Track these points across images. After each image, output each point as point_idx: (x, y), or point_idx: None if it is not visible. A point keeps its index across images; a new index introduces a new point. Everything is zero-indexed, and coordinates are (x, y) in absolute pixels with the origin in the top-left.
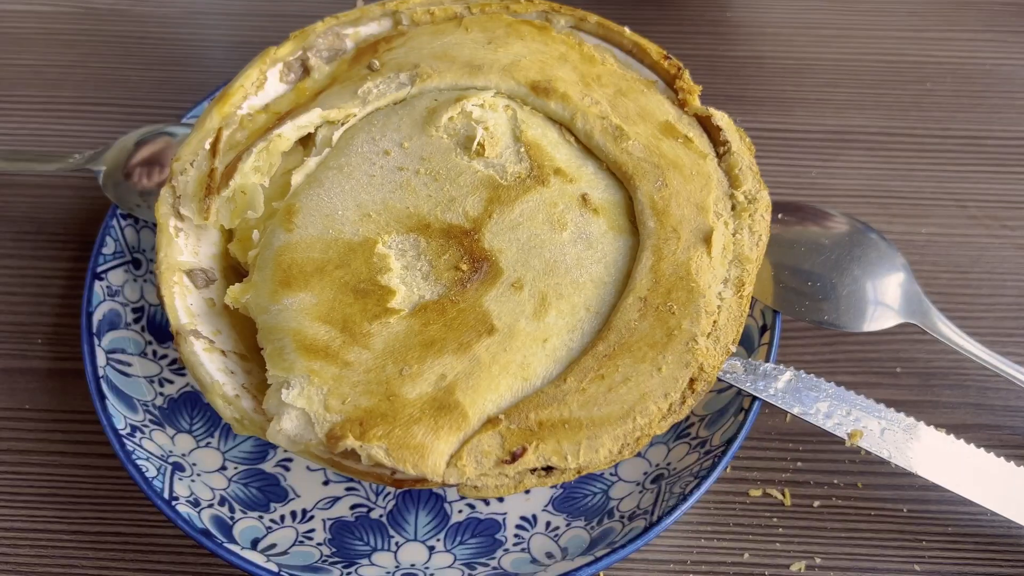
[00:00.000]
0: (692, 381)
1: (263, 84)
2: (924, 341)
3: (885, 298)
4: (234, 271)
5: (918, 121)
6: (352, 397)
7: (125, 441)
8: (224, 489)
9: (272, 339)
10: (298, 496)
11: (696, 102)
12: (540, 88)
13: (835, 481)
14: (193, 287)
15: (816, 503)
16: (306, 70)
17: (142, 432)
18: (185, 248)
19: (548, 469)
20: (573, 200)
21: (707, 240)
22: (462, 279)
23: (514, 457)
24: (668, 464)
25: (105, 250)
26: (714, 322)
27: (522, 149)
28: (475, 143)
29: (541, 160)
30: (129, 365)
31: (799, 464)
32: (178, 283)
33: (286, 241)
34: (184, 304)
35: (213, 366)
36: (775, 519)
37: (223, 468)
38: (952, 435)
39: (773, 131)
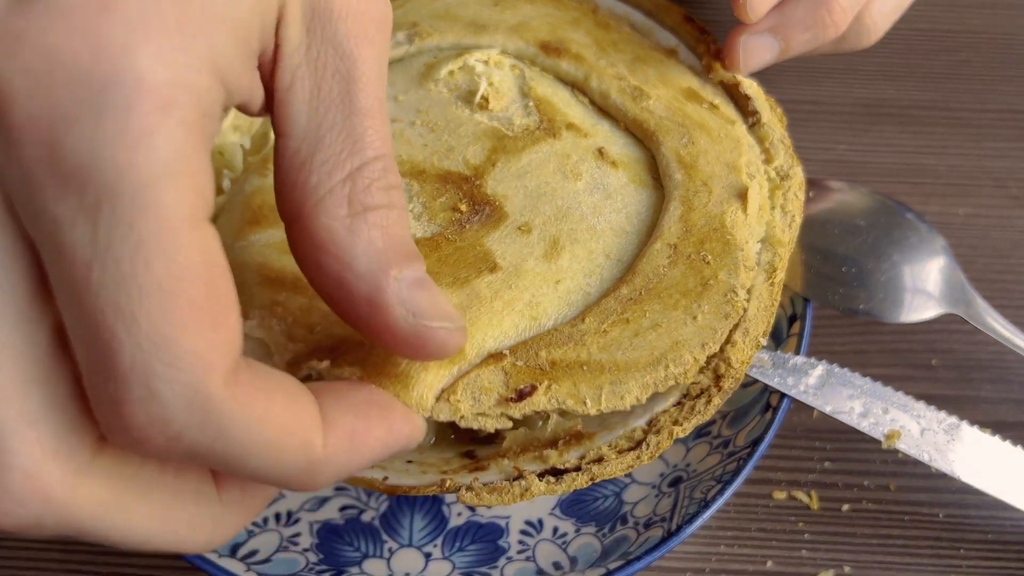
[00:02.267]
0: (719, 378)
1: None
2: (962, 331)
3: (926, 286)
4: None
5: (953, 93)
6: (323, 327)
7: None
8: None
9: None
10: (283, 496)
11: (722, 68)
12: (551, 48)
13: (865, 483)
14: None
15: (845, 507)
16: None
17: None
18: None
19: (558, 473)
20: (588, 152)
21: (742, 197)
22: (460, 220)
23: (520, 395)
24: (687, 466)
25: None
26: (743, 311)
27: (531, 104)
28: (478, 95)
29: (552, 115)
30: None
31: (827, 464)
32: None
33: (259, 185)
34: None
35: None
36: (801, 524)
37: None
38: (997, 435)
39: (798, 103)
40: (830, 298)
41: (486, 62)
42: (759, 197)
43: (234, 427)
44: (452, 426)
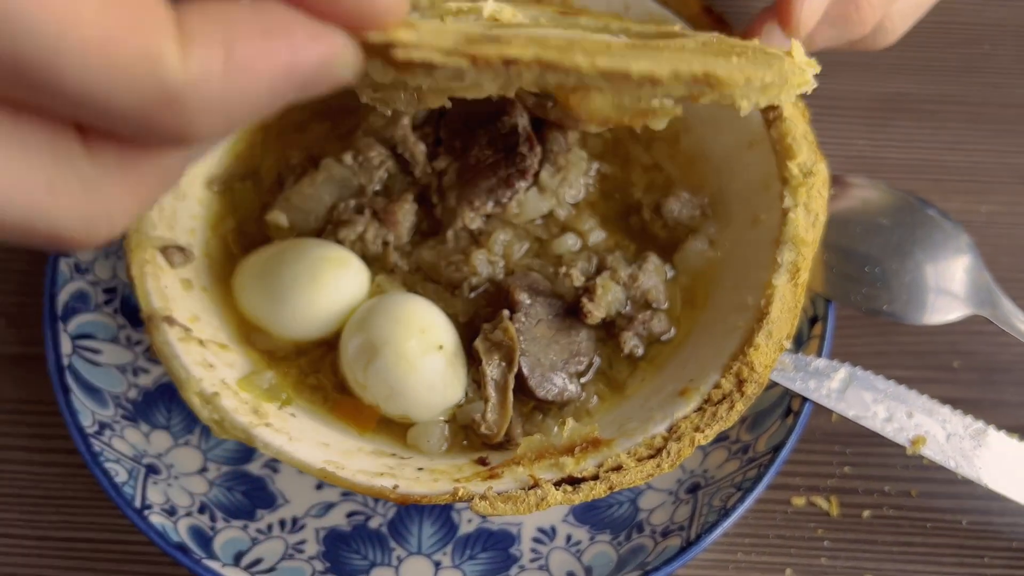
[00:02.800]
0: (741, 383)
1: None
2: (985, 333)
3: (951, 286)
4: (220, 245)
5: (973, 87)
6: None
7: (92, 441)
8: (204, 494)
9: None
10: (288, 502)
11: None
12: None
13: (886, 488)
14: (168, 266)
15: (866, 513)
16: None
17: (112, 430)
18: (159, 222)
19: (576, 482)
20: None
21: None
22: None
23: None
24: (705, 472)
25: None
26: (764, 314)
27: None
28: None
29: None
30: (99, 353)
31: (847, 469)
32: (150, 261)
33: None
34: (157, 286)
35: (189, 358)
36: (820, 531)
37: (204, 470)
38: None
39: (814, 97)
40: (852, 299)
41: None
42: None
43: (23, 16)
44: (465, 431)
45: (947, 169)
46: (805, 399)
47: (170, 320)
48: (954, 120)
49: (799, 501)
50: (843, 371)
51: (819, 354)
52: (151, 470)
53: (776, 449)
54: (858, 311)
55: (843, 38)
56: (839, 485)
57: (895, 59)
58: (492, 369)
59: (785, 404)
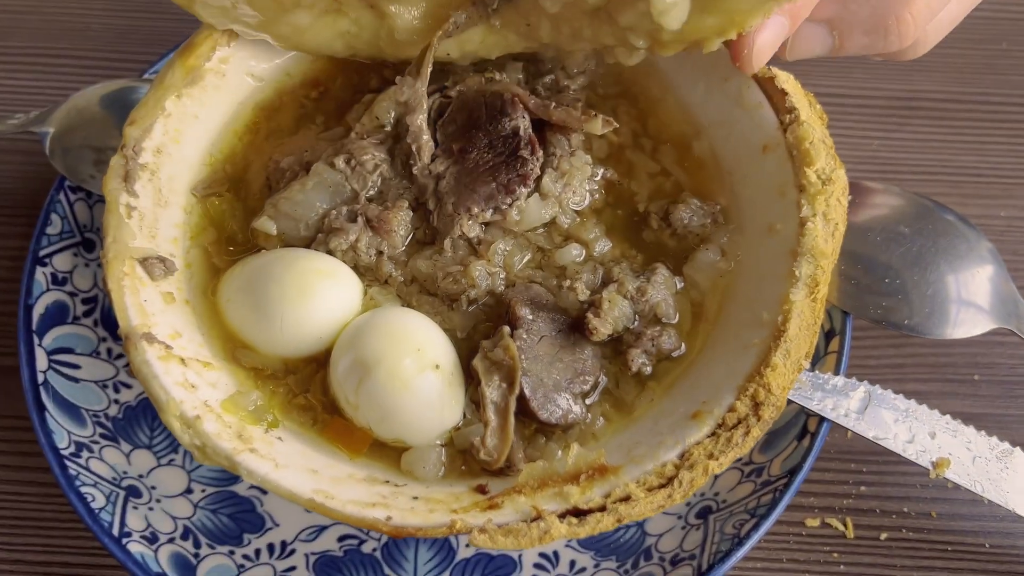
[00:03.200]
0: (757, 406)
1: (236, 32)
2: (1007, 344)
3: (975, 298)
4: (204, 255)
5: (993, 86)
6: None
7: (68, 463)
8: (189, 518)
9: None
10: (277, 525)
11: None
12: None
13: (905, 509)
14: (148, 278)
15: (883, 535)
16: None
17: (90, 451)
18: (139, 231)
19: (581, 514)
20: None
21: None
22: None
23: None
24: (716, 495)
25: (50, 230)
26: (782, 332)
27: None
28: None
29: None
30: (77, 368)
31: (863, 488)
32: (129, 274)
33: None
34: (136, 300)
35: (169, 378)
36: (836, 554)
37: (188, 491)
38: None
39: (827, 96)
40: (871, 312)
41: None
42: None
43: None
44: (463, 456)
45: (965, 172)
46: (822, 419)
47: (149, 337)
48: (973, 121)
49: (813, 522)
50: (862, 390)
51: (837, 371)
52: (131, 493)
53: (792, 473)
54: (877, 325)
55: (876, 48)
56: (855, 505)
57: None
58: (492, 391)
59: (801, 424)
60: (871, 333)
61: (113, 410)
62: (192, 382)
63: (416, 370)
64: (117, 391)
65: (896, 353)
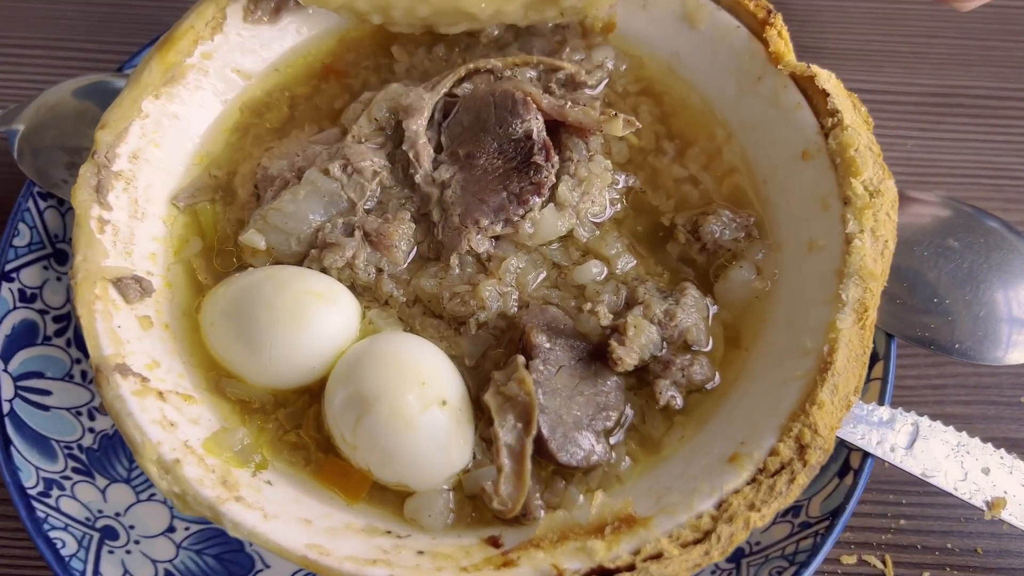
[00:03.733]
0: (803, 449)
1: (221, 25)
2: None
3: None
4: (186, 272)
5: None
6: None
7: (36, 504)
8: (171, 560)
9: None
10: (268, 567)
11: (792, 56)
12: None
13: (949, 545)
14: (122, 301)
15: (925, 574)
16: (278, 6)
17: (60, 488)
18: (113, 247)
19: (607, 574)
20: None
21: None
22: None
23: None
24: (750, 536)
25: (17, 241)
26: (829, 364)
27: None
28: None
29: None
30: (48, 394)
31: (902, 522)
32: (101, 297)
33: None
34: (109, 327)
35: (146, 416)
36: None
37: (170, 530)
38: None
39: (858, 92)
40: (917, 334)
41: None
42: None
43: None
44: (473, 502)
45: (1007, 174)
46: (866, 454)
47: (123, 369)
48: (1014, 119)
49: (850, 560)
50: (909, 422)
51: (881, 400)
52: (107, 535)
53: (834, 515)
54: (923, 348)
55: None
56: (894, 541)
57: (948, 49)
58: (506, 432)
59: (842, 459)
60: (908, 350)
61: (88, 440)
62: (171, 419)
63: (421, 407)
64: (92, 418)
65: (936, 373)
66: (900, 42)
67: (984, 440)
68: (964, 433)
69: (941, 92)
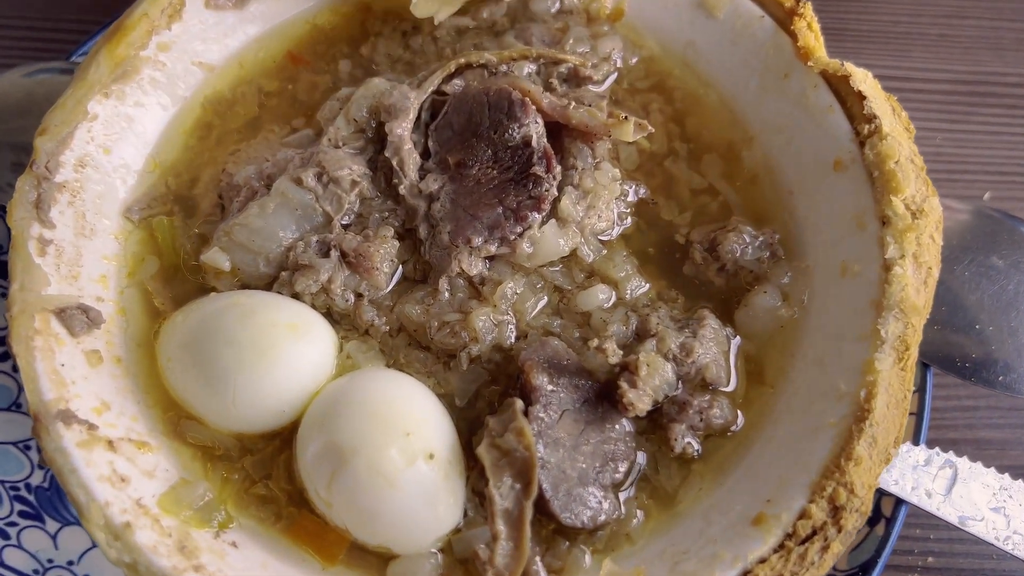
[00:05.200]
0: (837, 511)
1: (179, 11)
2: None
3: None
4: (141, 296)
5: None
6: None
7: None
8: None
9: None
10: None
11: (823, 52)
12: None
13: None
14: (67, 334)
15: None
16: None
17: (4, 537)
18: (56, 272)
19: None
20: None
21: None
22: None
23: None
24: None
25: None
26: (866, 411)
27: None
28: None
29: None
30: None
31: (931, 560)
32: (42, 332)
33: None
34: (50, 367)
35: (92, 471)
36: None
37: None
38: None
39: (881, 79)
40: (957, 365)
41: None
42: None
43: None
44: (464, 566)
45: None
46: (900, 501)
47: (67, 416)
48: None
49: None
50: (947, 464)
51: (916, 439)
52: None
53: (864, 569)
54: (962, 379)
55: None
56: None
57: (980, 31)
58: (503, 495)
59: (873, 506)
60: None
61: (37, 477)
62: (122, 473)
63: (404, 462)
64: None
65: (967, 394)
66: (928, 23)
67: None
68: (1007, 475)
69: (972, 80)
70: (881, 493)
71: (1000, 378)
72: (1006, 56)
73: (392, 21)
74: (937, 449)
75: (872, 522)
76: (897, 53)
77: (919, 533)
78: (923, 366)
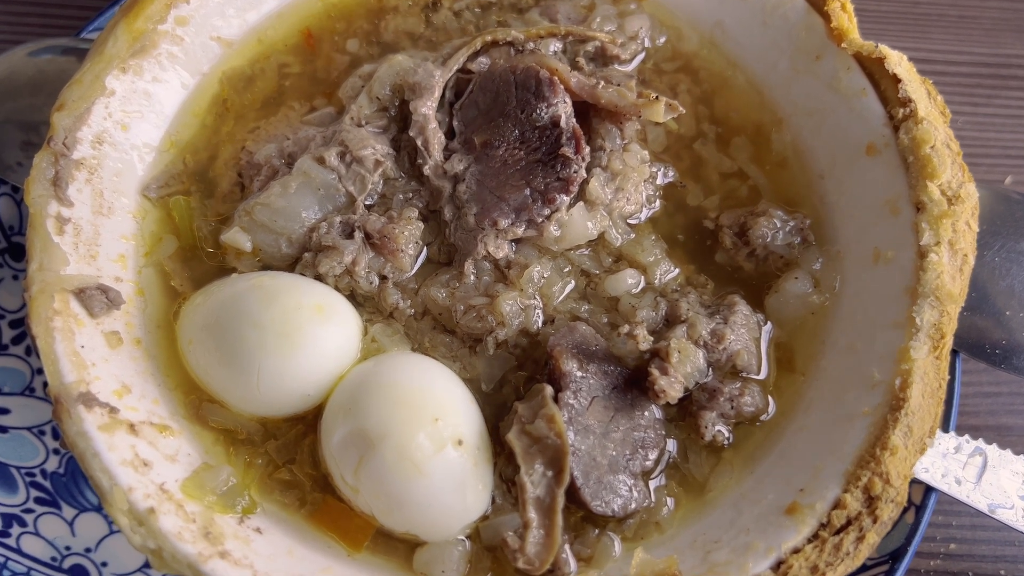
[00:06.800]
0: (872, 501)
1: None
2: None
3: None
4: (160, 276)
5: None
6: None
7: None
8: None
9: None
10: None
11: (857, 33)
12: None
13: (1002, 573)
14: (86, 315)
15: None
16: None
17: (22, 524)
18: (75, 251)
19: None
20: None
21: None
22: None
23: None
24: None
25: None
26: (902, 401)
27: None
28: None
29: None
30: (5, 413)
31: (953, 547)
32: (61, 312)
33: None
34: (70, 348)
35: (115, 456)
36: None
37: (148, 565)
38: None
39: None
40: (987, 351)
41: None
42: None
43: None
44: (492, 554)
45: None
46: (929, 488)
47: (88, 399)
48: None
49: None
50: (977, 452)
51: (945, 427)
52: (75, 575)
53: (894, 558)
54: (991, 366)
55: None
56: (944, 567)
57: (1002, 13)
58: (534, 483)
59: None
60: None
61: (52, 463)
62: (144, 457)
63: (433, 448)
64: (58, 437)
65: (990, 380)
66: (948, 4)
67: None
68: None
69: (994, 62)
70: (911, 480)
71: None
72: None
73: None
74: (967, 436)
75: (902, 510)
76: (917, 35)
77: (941, 520)
78: (952, 352)
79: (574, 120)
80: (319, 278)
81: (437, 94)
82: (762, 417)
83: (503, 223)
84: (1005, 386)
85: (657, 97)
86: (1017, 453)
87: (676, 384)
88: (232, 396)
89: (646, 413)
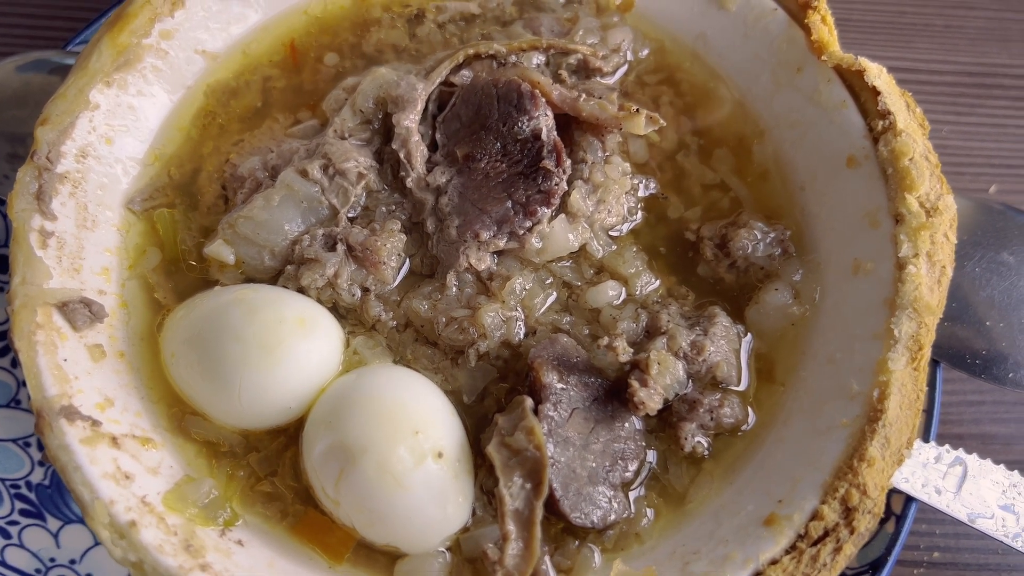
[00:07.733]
0: (849, 512)
1: None
2: None
3: None
4: (144, 288)
5: None
6: None
7: None
8: None
9: None
10: None
11: (837, 46)
12: None
13: None
14: (69, 329)
15: None
16: None
17: (6, 536)
18: (58, 265)
19: None
20: None
21: None
22: None
23: None
24: None
25: None
26: (879, 412)
27: None
28: None
29: None
30: None
31: (936, 555)
32: (44, 326)
33: None
34: (53, 361)
35: (96, 469)
36: None
37: None
38: None
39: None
40: (967, 361)
41: None
42: None
43: None
44: (472, 566)
45: None
46: (909, 498)
47: (70, 412)
48: None
49: None
50: (957, 462)
51: (926, 436)
52: None
53: (874, 567)
54: (972, 376)
55: None
56: None
57: (987, 23)
58: (513, 495)
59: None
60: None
61: (37, 475)
62: (126, 470)
63: (414, 461)
64: (42, 449)
65: (973, 388)
66: (933, 14)
67: None
68: (1016, 473)
69: (978, 72)
70: (891, 490)
71: (1010, 375)
72: (1012, 48)
73: (395, 7)
74: (947, 446)
75: (882, 520)
76: (902, 44)
77: (925, 528)
78: (933, 362)
79: (555, 133)
80: (301, 290)
81: (420, 107)
82: (742, 428)
83: (485, 235)
84: (988, 395)
85: (638, 110)
86: (999, 461)
87: (656, 396)
88: (214, 409)
89: (626, 424)
